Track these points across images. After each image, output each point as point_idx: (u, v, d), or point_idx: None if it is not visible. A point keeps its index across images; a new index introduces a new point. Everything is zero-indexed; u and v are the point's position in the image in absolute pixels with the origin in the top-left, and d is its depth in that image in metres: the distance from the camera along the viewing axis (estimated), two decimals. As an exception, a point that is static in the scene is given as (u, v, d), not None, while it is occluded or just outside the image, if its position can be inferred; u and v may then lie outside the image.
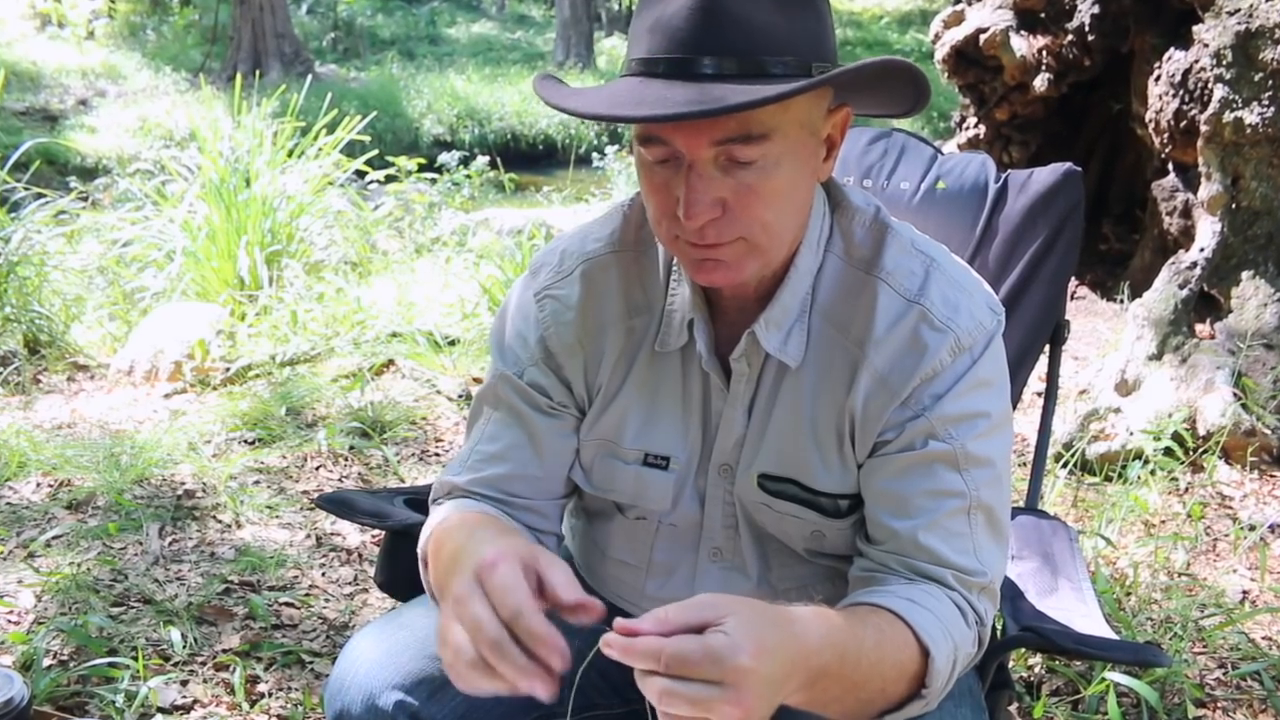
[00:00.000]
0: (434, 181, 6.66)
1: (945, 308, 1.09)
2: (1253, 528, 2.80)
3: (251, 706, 2.02)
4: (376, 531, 2.61)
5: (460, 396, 3.64)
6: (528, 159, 12.32)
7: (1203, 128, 3.56)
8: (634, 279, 1.19)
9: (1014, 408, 1.28)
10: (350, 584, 2.51)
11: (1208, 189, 3.58)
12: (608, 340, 1.19)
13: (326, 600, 2.42)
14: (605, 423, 1.21)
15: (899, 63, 0.99)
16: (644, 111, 0.94)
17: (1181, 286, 3.45)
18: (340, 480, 3.06)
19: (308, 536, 2.70)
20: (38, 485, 2.92)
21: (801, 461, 1.14)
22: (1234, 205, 3.55)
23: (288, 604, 2.39)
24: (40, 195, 4.88)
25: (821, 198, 1.14)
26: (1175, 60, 3.76)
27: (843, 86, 1.04)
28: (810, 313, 1.13)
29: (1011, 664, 2.16)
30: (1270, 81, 3.44)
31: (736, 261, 1.04)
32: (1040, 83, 4.41)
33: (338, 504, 1.44)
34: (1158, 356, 3.33)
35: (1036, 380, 1.88)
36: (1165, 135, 3.84)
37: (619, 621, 0.83)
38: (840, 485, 1.14)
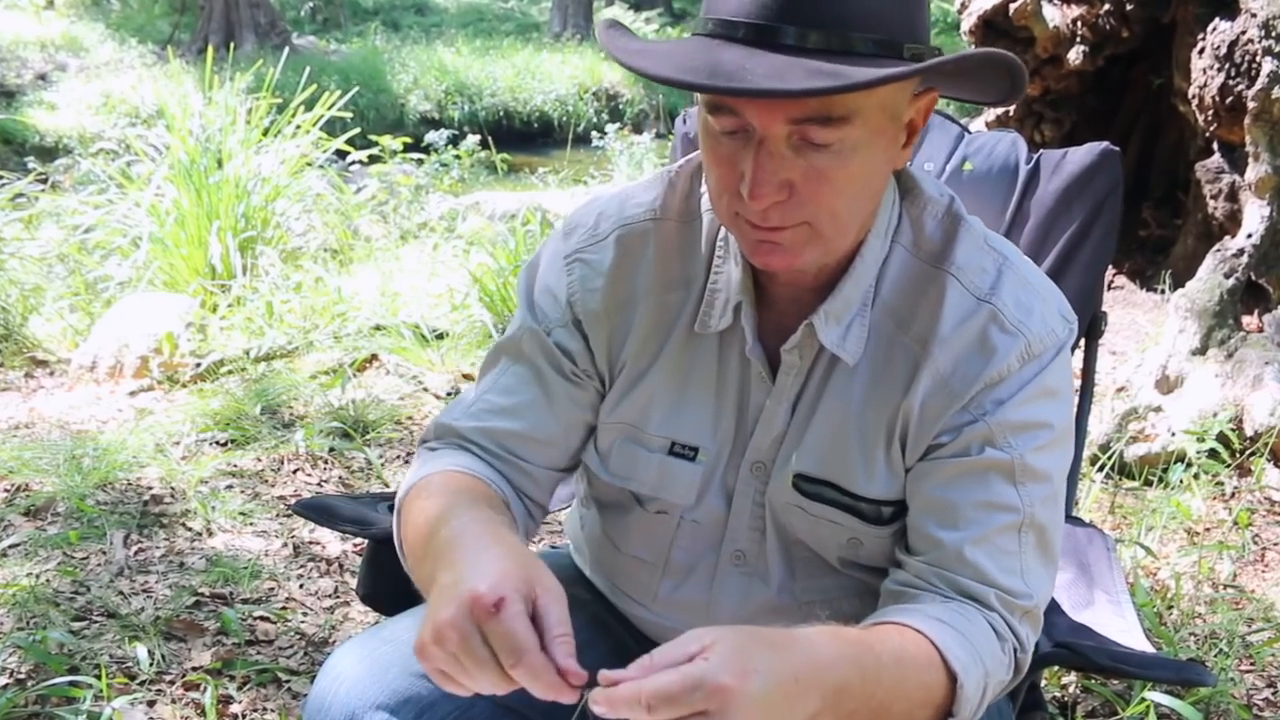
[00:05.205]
0: (420, 162, 6.65)
1: (1018, 310, 1.10)
2: (1304, 536, 2.80)
3: (224, 728, 2.03)
4: (358, 540, 2.61)
5: (449, 394, 3.64)
6: (522, 138, 12.33)
7: (1250, 104, 3.55)
8: (673, 251, 1.19)
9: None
10: (330, 596, 2.52)
11: (1256, 170, 3.57)
12: (638, 313, 1.19)
13: (305, 614, 2.43)
14: (629, 405, 1.21)
15: (1002, 56, 1.00)
16: (721, 82, 0.94)
17: (1227, 275, 3.45)
18: (319, 484, 3.06)
19: (284, 545, 2.71)
20: (-6, 490, 2.92)
21: (843, 464, 1.14)
22: (1284, 188, 3.54)
23: (263, 618, 2.39)
24: (-4, 177, 4.89)
25: (891, 184, 1.14)
26: (1221, 31, 3.75)
27: (935, 72, 1.04)
28: (872, 306, 1.13)
29: (1045, 683, 2.16)
30: (1324, 54, 3.43)
31: (796, 247, 1.04)
32: (1075, 55, 4.40)
33: (317, 510, 1.44)
34: (1201, 351, 3.33)
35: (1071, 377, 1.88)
36: (1210, 112, 3.83)
37: (603, 673, 0.83)
38: (884, 491, 1.14)
